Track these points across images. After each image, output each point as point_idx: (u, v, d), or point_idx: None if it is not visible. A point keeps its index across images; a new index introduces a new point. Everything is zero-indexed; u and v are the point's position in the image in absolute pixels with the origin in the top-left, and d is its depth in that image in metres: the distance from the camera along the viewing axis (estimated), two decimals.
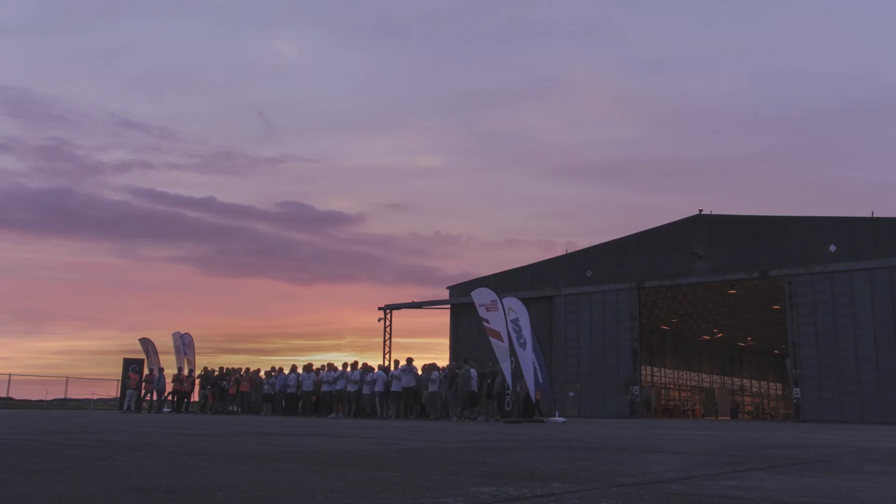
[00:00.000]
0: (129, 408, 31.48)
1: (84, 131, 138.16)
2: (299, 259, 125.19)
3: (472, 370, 24.73)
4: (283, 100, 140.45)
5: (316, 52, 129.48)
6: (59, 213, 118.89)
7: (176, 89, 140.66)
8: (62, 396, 41.02)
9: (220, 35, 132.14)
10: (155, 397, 31.57)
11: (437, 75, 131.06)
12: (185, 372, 31.73)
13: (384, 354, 51.22)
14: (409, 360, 26.50)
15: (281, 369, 30.01)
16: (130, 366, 33.56)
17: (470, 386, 24.15)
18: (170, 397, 31.80)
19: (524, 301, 25.41)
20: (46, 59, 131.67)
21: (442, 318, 57.52)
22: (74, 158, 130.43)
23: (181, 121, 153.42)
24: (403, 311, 52.42)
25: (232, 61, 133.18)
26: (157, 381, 31.79)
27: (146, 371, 33.37)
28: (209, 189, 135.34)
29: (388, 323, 51.67)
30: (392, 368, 27.18)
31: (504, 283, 44.57)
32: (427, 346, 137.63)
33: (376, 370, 27.45)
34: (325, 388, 27.61)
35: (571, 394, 40.89)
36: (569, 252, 45.08)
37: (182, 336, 33.05)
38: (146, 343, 34.13)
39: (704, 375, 66.69)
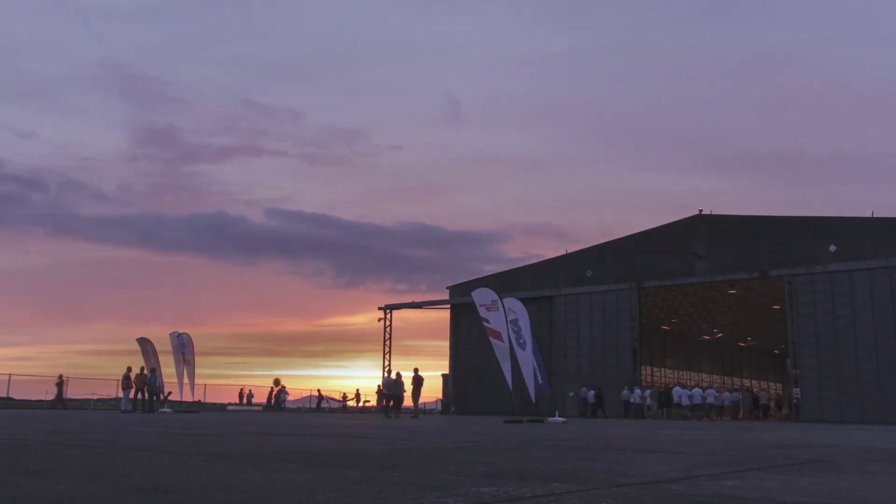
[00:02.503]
0: (125, 409, 31.40)
1: (197, 116, 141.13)
2: None
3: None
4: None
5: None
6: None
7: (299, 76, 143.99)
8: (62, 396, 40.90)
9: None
10: (146, 397, 31.41)
11: None
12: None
13: (384, 355, 51.25)
14: None
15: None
16: (128, 366, 33.48)
17: None
18: (170, 397, 31.74)
19: (524, 301, 25.43)
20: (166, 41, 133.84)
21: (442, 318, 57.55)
22: (181, 144, 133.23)
23: (303, 106, 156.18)
24: (403, 310, 52.54)
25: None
26: (150, 381, 31.63)
27: (144, 371, 33.24)
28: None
29: (388, 323, 51.68)
30: None
31: (504, 283, 44.56)
32: (427, 347, 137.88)
33: None
34: None
35: (571, 394, 40.87)
36: (569, 252, 45.10)
37: (179, 336, 32.92)
38: (144, 343, 33.81)
39: (704, 375, 66.68)
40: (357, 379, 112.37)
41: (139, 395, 31.74)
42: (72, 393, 40.96)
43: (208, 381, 50.82)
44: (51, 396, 40.50)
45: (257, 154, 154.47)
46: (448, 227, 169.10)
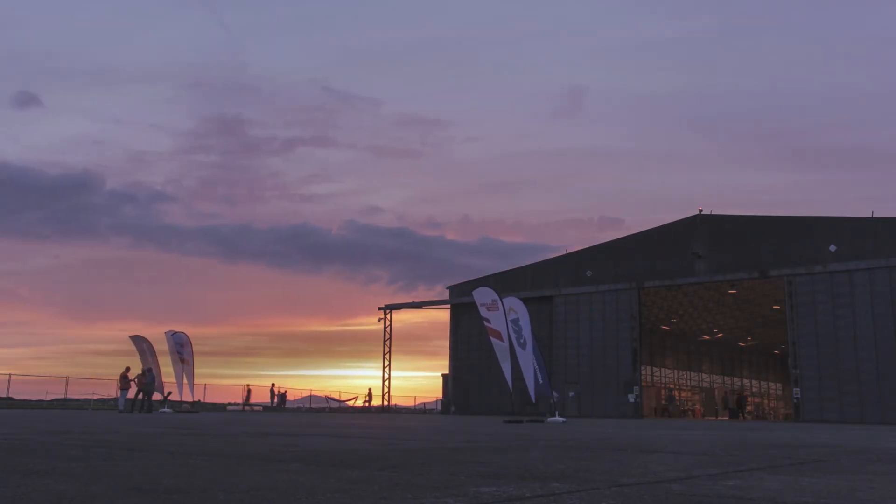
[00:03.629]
0: (122, 409, 31.33)
1: (269, 107, 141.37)
2: None
3: None
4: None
5: None
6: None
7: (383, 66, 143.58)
8: (62, 396, 40.99)
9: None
10: (142, 396, 31.31)
11: None
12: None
13: (384, 354, 51.25)
14: None
15: None
16: (126, 366, 33.41)
17: None
18: (168, 397, 31.67)
19: (524, 301, 25.40)
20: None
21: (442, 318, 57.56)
22: (247, 135, 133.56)
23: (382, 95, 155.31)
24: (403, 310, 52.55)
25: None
26: (147, 381, 31.50)
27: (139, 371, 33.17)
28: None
29: (387, 323, 51.69)
30: None
31: (504, 283, 44.54)
32: (427, 347, 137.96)
33: None
34: None
35: (571, 394, 40.89)
36: (569, 252, 45.10)
37: (174, 335, 32.83)
38: (140, 341, 33.53)
39: (704, 375, 66.68)
40: (367, 379, 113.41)
41: (139, 395, 31.60)
42: (72, 393, 40.99)
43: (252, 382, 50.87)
44: (51, 397, 40.51)
45: (325, 146, 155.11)
46: (515, 230, 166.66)
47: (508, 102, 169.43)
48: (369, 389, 54.11)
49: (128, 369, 32.05)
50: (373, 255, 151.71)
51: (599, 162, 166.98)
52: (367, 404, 53.00)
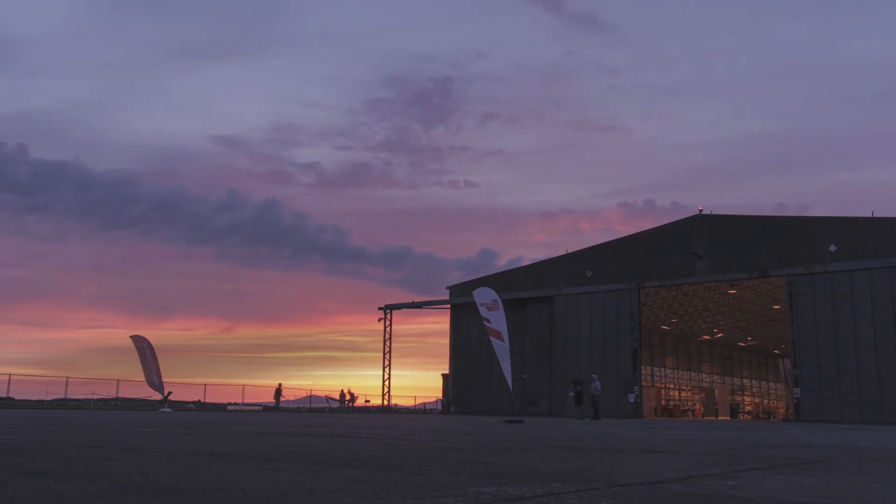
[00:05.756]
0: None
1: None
2: None
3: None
4: None
5: None
6: None
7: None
8: (62, 396, 40.99)
9: None
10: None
11: None
12: None
13: (384, 354, 51.25)
14: None
15: None
16: None
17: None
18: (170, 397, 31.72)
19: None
20: None
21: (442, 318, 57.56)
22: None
23: None
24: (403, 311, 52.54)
25: None
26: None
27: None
28: None
29: (388, 323, 51.69)
30: None
31: (504, 283, 44.54)
32: (427, 347, 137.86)
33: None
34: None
35: (571, 394, 40.85)
36: (569, 252, 45.09)
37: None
38: (139, 341, 33.51)
39: (704, 375, 66.70)
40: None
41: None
42: (72, 393, 41.00)
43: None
44: (52, 396, 40.53)
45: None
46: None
47: None
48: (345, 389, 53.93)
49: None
50: None
51: None
52: (367, 402, 53.02)
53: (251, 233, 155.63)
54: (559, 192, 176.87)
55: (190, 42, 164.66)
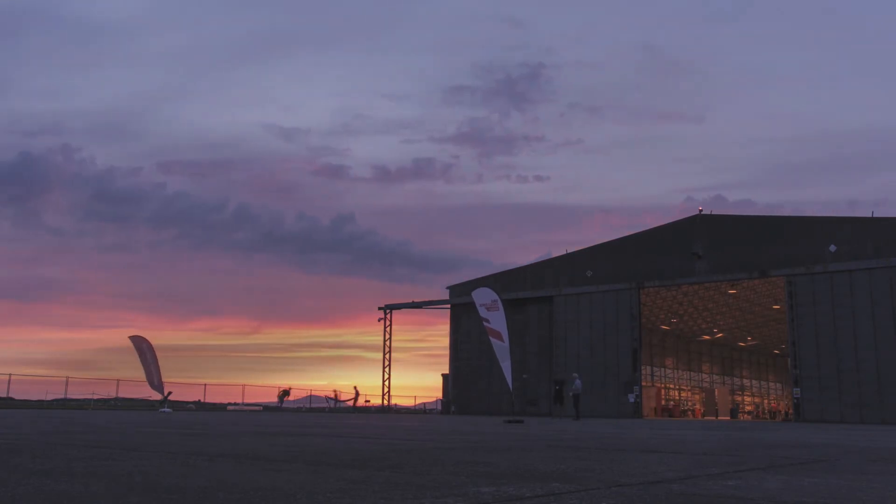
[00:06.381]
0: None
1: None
2: None
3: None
4: None
5: None
6: None
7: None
8: (62, 396, 41.00)
9: None
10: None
11: None
12: None
13: (384, 354, 51.24)
14: None
15: None
16: None
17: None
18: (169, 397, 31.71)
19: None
20: None
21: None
22: None
23: None
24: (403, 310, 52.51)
25: None
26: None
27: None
28: None
29: (388, 323, 51.67)
30: None
31: (504, 283, 44.53)
32: (427, 346, 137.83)
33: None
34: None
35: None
36: (569, 252, 45.09)
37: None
38: (139, 341, 33.52)
39: (704, 375, 66.68)
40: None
41: None
42: (72, 393, 40.99)
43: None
44: (52, 396, 40.53)
45: None
46: None
47: None
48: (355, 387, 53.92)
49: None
50: None
51: None
52: (367, 402, 52.98)
53: (306, 237, 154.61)
54: (628, 187, 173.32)
55: (270, 31, 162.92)
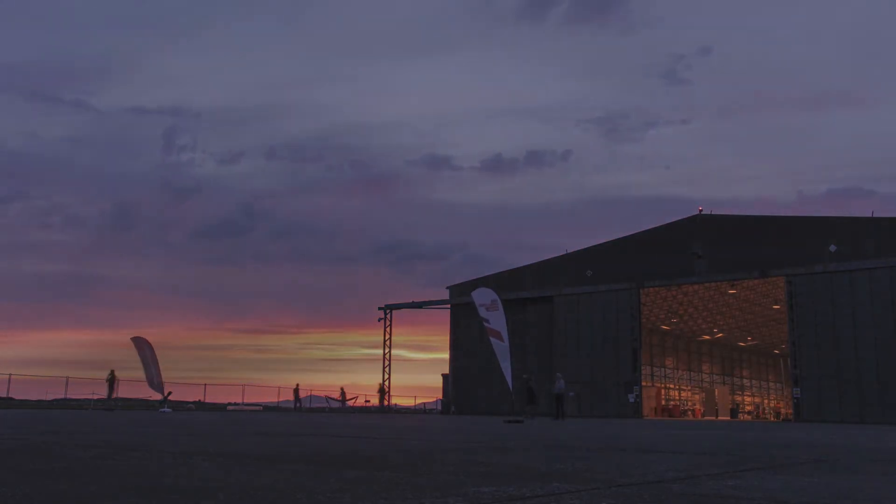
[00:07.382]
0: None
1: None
2: None
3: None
4: None
5: None
6: None
7: None
8: (62, 396, 40.97)
9: None
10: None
11: None
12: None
13: (384, 354, 51.24)
14: None
15: None
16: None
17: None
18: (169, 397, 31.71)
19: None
20: None
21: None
22: None
23: None
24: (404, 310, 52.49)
25: None
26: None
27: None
28: None
29: (388, 323, 51.66)
30: None
31: (504, 283, 44.52)
32: (426, 346, 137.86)
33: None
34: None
35: (571, 393, 40.86)
36: (569, 252, 45.08)
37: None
38: (140, 341, 33.57)
39: (704, 375, 66.69)
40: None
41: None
42: (72, 393, 40.98)
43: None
44: (51, 396, 40.50)
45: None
46: None
47: None
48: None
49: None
50: None
51: None
52: (367, 402, 52.98)
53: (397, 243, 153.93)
54: (748, 181, 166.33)
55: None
